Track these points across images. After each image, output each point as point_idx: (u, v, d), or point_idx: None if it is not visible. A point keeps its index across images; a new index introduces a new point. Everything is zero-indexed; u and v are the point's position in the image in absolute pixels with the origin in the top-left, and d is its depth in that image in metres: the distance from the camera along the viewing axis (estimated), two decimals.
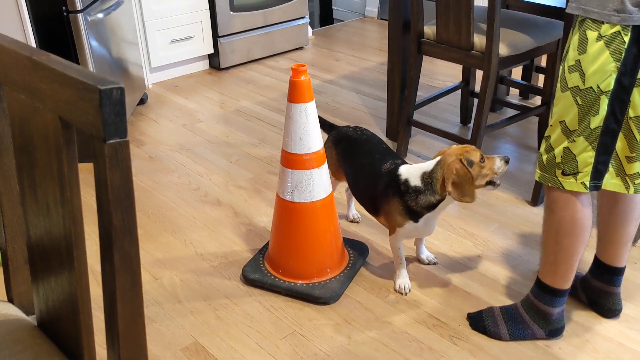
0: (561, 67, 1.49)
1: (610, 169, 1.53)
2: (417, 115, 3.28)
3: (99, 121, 0.72)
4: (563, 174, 1.51)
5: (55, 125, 0.83)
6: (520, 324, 1.77)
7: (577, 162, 1.48)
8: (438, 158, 1.83)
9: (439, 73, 3.96)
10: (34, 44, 2.72)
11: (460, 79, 3.12)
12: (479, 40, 2.40)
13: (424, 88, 3.65)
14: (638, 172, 1.52)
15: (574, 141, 1.46)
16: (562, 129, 1.48)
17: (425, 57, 2.69)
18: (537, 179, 1.61)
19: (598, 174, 1.50)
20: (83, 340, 0.93)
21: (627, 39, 1.34)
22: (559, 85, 1.50)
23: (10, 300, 1.15)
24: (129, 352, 0.84)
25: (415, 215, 1.86)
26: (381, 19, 5.31)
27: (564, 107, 1.47)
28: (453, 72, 3.93)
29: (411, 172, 1.87)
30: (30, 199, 0.96)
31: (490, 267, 2.12)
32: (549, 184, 1.57)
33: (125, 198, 0.76)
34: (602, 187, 1.54)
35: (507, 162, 1.79)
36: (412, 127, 2.88)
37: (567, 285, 1.70)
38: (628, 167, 1.53)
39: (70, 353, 0.99)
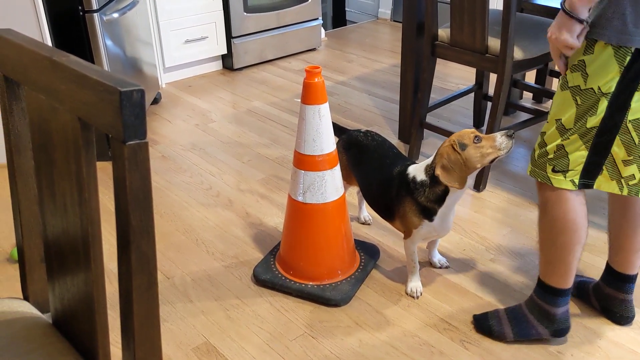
0: None
1: (605, 172, 1.52)
2: (430, 118, 3.27)
3: (119, 123, 0.73)
4: (553, 170, 1.52)
5: (74, 126, 0.83)
6: (525, 323, 1.77)
7: (568, 160, 1.48)
8: None
9: (452, 75, 3.95)
10: (50, 43, 2.74)
11: (474, 82, 3.10)
12: (493, 43, 2.40)
13: (437, 90, 3.64)
14: (633, 174, 1.51)
15: (568, 139, 1.47)
16: (557, 127, 1.48)
17: (438, 60, 2.69)
18: (529, 173, 1.62)
19: (589, 173, 1.50)
20: (98, 340, 0.93)
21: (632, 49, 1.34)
22: (559, 82, 1.50)
23: (26, 297, 1.16)
24: (144, 353, 0.85)
25: (429, 213, 1.85)
26: (394, 20, 5.30)
27: (561, 105, 1.47)
28: (466, 75, 3.92)
29: (417, 168, 1.88)
30: (48, 199, 0.97)
31: (502, 272, 2.12)
32: (539, 179, 1.57)
33: (144, 199, 0.77)
34: (596, 187, 1.53)
35: (510, 136, 1.73)
36: (425, 130, 2.87)
37: (568, 284, 1.69)
38: (624, 170, 1.51)
39: (85, 352, 1.00)
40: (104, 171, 1.99)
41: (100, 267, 0.89)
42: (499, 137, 1.74)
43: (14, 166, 1.05)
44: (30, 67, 0.89)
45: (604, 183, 1.53)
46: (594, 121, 1.44)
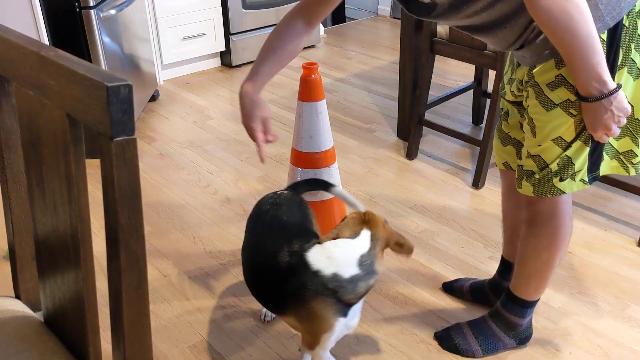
0: (529, 93, 1.41)
1: (604, 155, 1.47)
2: (429, 115, 3.26)
3: (106, 119, 0.71)
4: (561, 180, 1.46)
5: (62, 122, 0.82)
6: (491, 337, 1.74)
7: (574, 164, 1.43)
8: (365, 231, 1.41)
9: (451, 72, 3.94)
10: (46, 41, 2.73)
11: (473, 79, 3.09)
12: None
13: (436, 87, 3.63)
14: (632, 150, 1.45)
15: (571, 147, 1.41)
16: (557, 142, 1.41)
17: (437, 57, 2.67)
18: (532, 194, 1.49)
19: (594, 165, 1.45)
20: (89, 339, 0.92)
21: (604, 37, 1.30)
22: (535, 109, 1.41)
23: (18, 296, 1.15)
24: (134, 352, 0.84)
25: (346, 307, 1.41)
26: (393, 17, 5.29)
27: (555, 123, 1.39)
28: (465, 72, 3.91)
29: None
30: (38, 196, 0.95)
31: None
32: (548, 195, 1.48)
33: (132, 196, 0.75)
34: (601, 174, 1.49)
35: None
36: (424, 127, 2.86)
37: (540, 295, 1.68)
38: (619, 145, 1.46)
39: (76, 350, 0.99)
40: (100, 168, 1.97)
41: (90, 265, 0.88)
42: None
43: (4, 163, 1.04)
44: (19, 62, 0.88)
45: (606, 166, 1.48)
46: None
